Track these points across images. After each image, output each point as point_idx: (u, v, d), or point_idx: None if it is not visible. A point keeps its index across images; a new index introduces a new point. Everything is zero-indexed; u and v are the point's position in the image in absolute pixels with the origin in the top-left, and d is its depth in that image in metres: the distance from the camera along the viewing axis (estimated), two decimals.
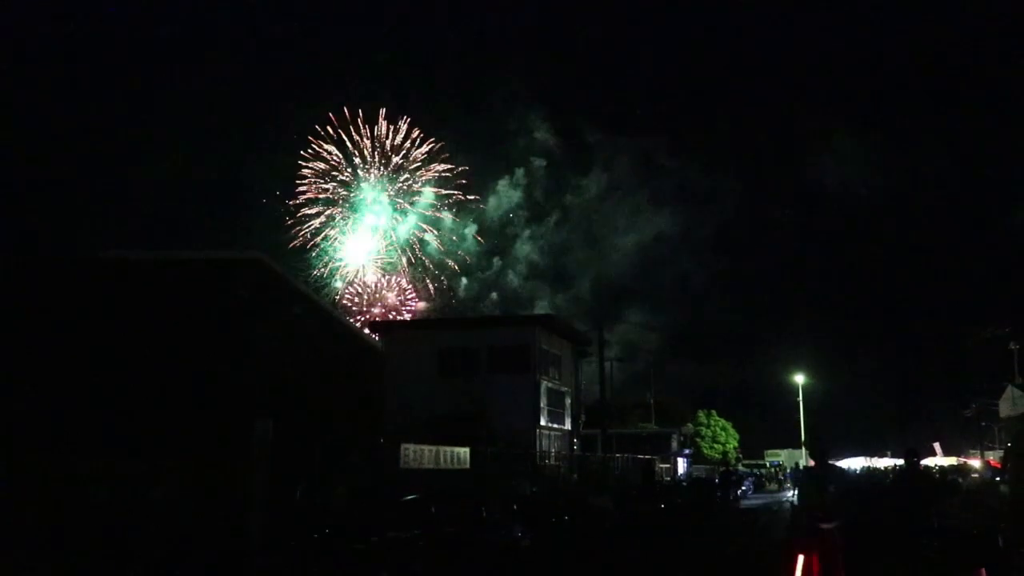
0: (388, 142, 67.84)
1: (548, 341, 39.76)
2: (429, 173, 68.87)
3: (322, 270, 67.38)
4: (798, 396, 65.72)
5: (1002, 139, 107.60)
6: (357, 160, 67.61)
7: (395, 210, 69.41)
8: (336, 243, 67.85)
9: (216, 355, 15.97)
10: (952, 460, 40.72)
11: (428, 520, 14.08)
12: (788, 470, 53.69)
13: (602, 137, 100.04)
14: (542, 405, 37.76)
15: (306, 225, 66.29)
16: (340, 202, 67.56)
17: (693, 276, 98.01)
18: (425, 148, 68.05)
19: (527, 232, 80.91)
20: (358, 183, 67.87)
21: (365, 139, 67.49)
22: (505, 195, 78.63)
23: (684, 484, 37.04)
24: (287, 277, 21.00)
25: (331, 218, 67.30)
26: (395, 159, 68.41)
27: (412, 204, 69.51)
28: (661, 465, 45.63)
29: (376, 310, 66.65)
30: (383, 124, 67.49)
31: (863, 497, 17.33)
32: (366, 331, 38.09)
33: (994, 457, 37.28)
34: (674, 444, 56.64)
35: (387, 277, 68.96)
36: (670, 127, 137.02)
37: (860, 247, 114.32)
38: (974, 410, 48.87)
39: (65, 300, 16.38)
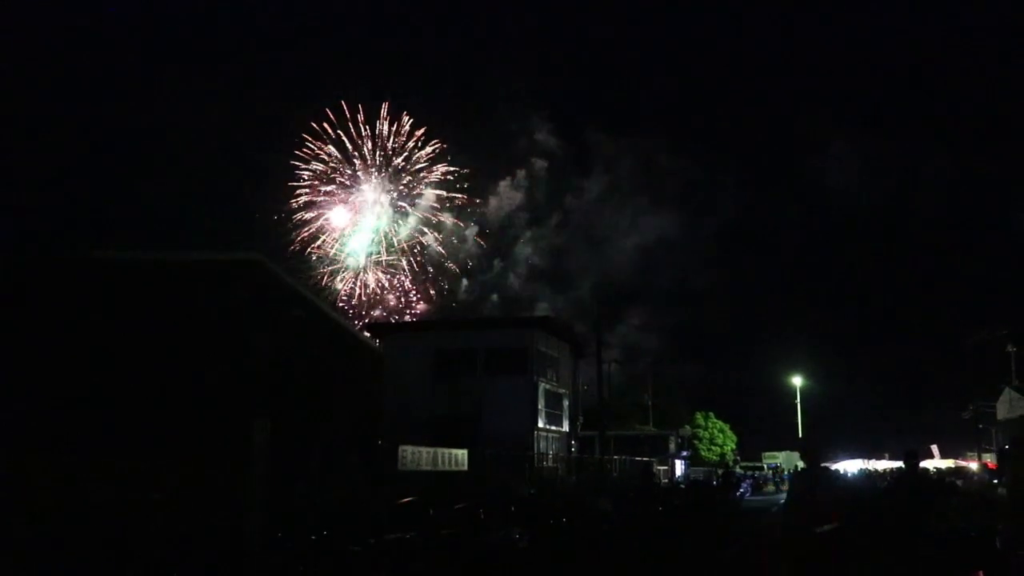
0: (389, 143, 67.89)
1: (546, 343, 39.79)
2: (431, 175, 68.95)
3: (322, 272, 67.36)
4: (796, 398, 65.81)
5: (1002, 142, 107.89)
6: (357, 162, 67.65)
7: (396, 212, 69.46)
8: (336, 245, 67.85)
9: (215, 356, 15.99)
10: (949, 462, 40.76)
11: (426, 522, 14.10)
12: (785, 472, 53.73)
13: (603, 138, 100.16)
14: (540, 407, 37.79)
15: (305, 228, 66.29)
16: (340, 204, 67.59)
17: (693, 278, 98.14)
18: (429, 149, 68.12)
19: (528, 234, 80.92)
20: (358, 185, 67.91)
21: (366, 139, 67.54)
22: (506, 196, 78.64)
23: (682, 486, 37.04)
24: (286, 279, 21.01)
25: (331, 220, 67.32)
26: (396, 160, 68.47)
27: (413, 206, 69.57)
28: (659, 467, 45.62)
29: (376, 312, 66.68)
30: (383, 124, 67.53)
31: (859, 500, 17.36)
32: (365, 333, 38.06)
33: (990, 459, 37.31)
34: (672, 446, 56.65)
35: (388, 279, 68.98)
36: (671, 129, 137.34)
37: (859, 250, 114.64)
38: (972, 412, 48.91)
39: (64, 300, 16.38)
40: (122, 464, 13.30)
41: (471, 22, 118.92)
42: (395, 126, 67.87)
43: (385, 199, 68.70)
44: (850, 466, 46.72)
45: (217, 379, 15.66)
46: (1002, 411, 46.41)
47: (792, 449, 66.95)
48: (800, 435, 62.84)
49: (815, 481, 9.33)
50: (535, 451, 34.98)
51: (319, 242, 66.46)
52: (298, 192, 65.90)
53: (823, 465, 9.87)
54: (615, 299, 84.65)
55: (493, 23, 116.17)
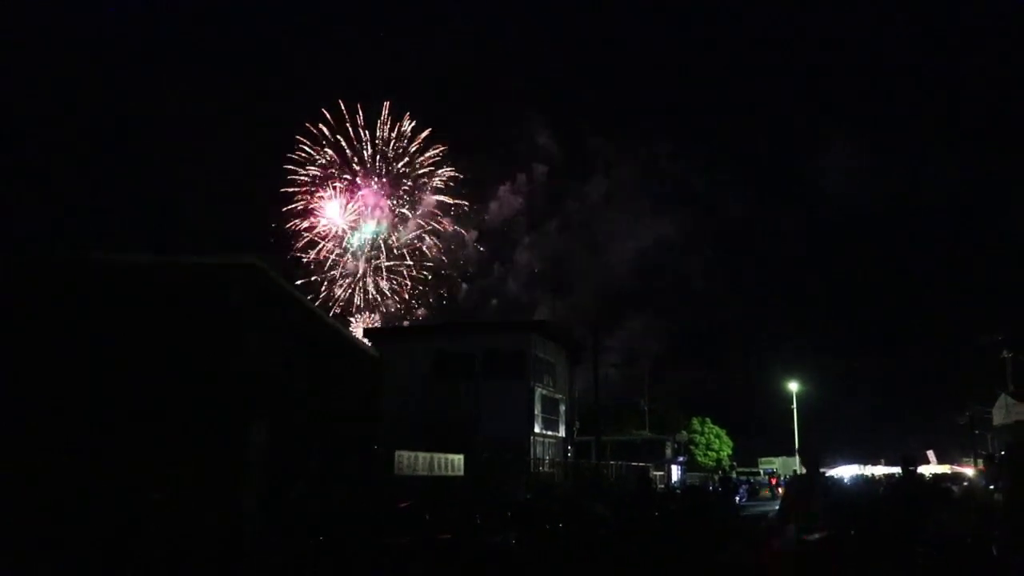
0: (390, 146, 67.84)
1: (543, 348, 39.78)
2: (432, 181, 68.90)
3: (321, 276, 67.27)
4: (792, 403, 65.85)
5: (1002, 144, 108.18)
6: (357, 166, 67.60)
7: (395, 216, 69.40)
8: (336, 250, 67.75)
9: (213, 359, 15.96)
10: (946, 468, 40.77)
11: (422, 526, 14.08)
12: (782, 477, 53.72)
13: (603, 142, 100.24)
14: (536, 412, 37.79)
15: (304, 233, 66.22)
16: (339, 208, 67.50)
17: (692, 282, 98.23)
18: (431, 153, 68.09)
19: (527, 239, 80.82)
20: (358, 189, 67.84)
21: (365, 142, 67.50)
22: (506, 200, 78.56)
23: (678, 491, 37.03)
24: (283, 283, 20.99)
25: (330, 225, 67.22)
26: (397, 166, 68.45)
27: (414, 211, 69.50)
28: (655, 472, 45.61)
29: (376, 316, 66.61)
30: (384, 128, 67.49)
31: (855, 506, 17.35)
32: (363, 338, 38.04)
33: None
34: (668, 451, 56.63)
35: (387, 284, 68.89)
36: (671, 132, 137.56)
37: (856, 255, 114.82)
38: (968, 418, 48.97)
39: (59, 302, 16.35)
40: (119, 465, 13.29)
41: (471, 25, 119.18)
42: (396, 129, 67.88)
43: (385, 203, 68.69)
44: (846, 472, 46.74)
45: (215, 382, 15.63)
46: (998, 417, 46.46)
47: (788, 455, 67.06)
48: (798, 440, 62.92)
49: (811, 487, 9.32)
50: (531, 456, 34.96)
51: (319, 247, 66.48)
52: (297, 196, 65.91)
53: (820, 471, 9.87)
54: (614, 303, 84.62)
55: (493, 26, 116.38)
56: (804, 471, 9.77)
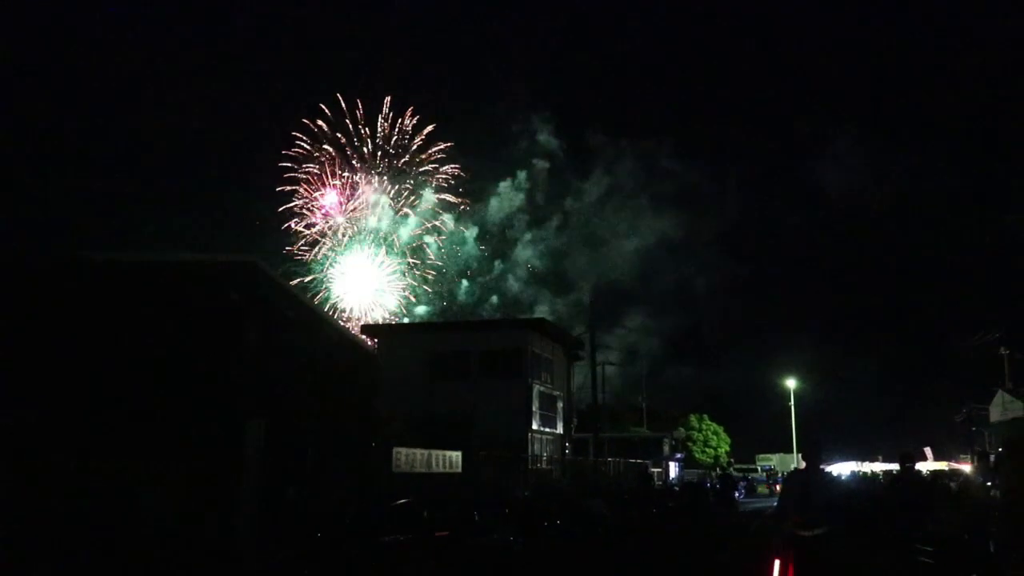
0: (391, 141, 67.72)
1: (540, 345, 39.81)
2: (433, 179, 68.83)
3: (319, 274, 67.16)
4: (790, 401, 65.96)
5: (1001, 145, 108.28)
6: (356, 162, 67.51)
7: (395, 213, 69.32)
8: (334, 247, 67.66)
9: (209, 357, 15.96)
10: (943, 464, 40.86)
11: (420, 524, 14.09)
12: (780, 474, 53.82)
13: (604, 140, 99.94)
14: (534, 409, 37.80)
15: (303, 230, 66.13)
16: (338, 204, 67.40)
17: (692, 280, 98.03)
18: (433, 149, 67.98)
19: (528, 236, 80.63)
20: (358, 186, 67.74)
21: (366, 138, 67.37)
22: (507, 198, 78.38)
23: (676, 488, 37.10)
24: (280, 280, 20.99)
25: (329, 221, 67.15)
26: (398, 163, 68.36)
27: (414, 208, 69.42)
28: (653, 469, 45.68)
29: (374, 314, 66.53)
30: (386, 124, 67.37)
31: (852, 503, 17.39)
32: (360, 335, 38.01)
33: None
34: (666, 448, 56.73)
35: (386, 281, 68.81)
36: (672, 130, 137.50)
37: (855, 253, 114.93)
38: (965, 414, 49.04)
39: (56, 301, 16.34)
40: (116, 466, 13.28)
41: (472, 23, 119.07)
42: (397, 125, 67.74)
43: (385, 200, 68.60)
44: (844, 468, 46.85)
45: (211, 381, 15.63)
46: (995, 414, 46.52)
47: (786, 451, 67.18)
48: (796, 436, 63.04)
49: (809, 483, 9.31)
50: (529, 453, 34.97)
51: (318, 245, 66.40)
52: (296, 193, 65.81)
53: (821, 467, 9.85)
54: (614, 301, 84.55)
55: (494, 23, 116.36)
56: (802, 466, 9.75)
